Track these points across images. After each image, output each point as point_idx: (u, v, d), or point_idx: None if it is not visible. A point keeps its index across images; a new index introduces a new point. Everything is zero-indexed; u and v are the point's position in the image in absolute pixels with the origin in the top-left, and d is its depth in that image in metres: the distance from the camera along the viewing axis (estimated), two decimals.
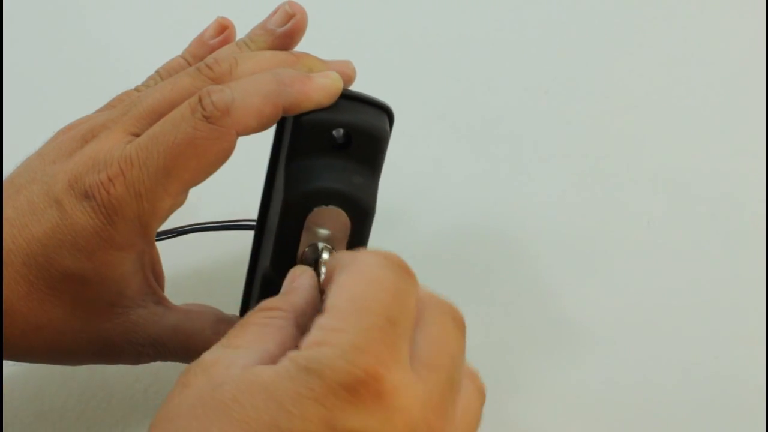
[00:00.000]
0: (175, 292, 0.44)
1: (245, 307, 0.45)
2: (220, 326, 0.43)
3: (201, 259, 0.50)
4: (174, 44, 0.58)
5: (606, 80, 0.57)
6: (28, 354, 0.40)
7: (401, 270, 0.33)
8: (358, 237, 0.41)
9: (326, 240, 0.40)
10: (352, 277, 0.32)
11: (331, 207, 0.40)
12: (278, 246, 0.41)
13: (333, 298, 0.32)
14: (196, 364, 0.32)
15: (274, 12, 0.45)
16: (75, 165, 0.39)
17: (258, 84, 0.39)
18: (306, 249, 0.40)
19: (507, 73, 0.57)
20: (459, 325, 0.34)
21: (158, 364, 0.47)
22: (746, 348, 0.48)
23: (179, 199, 0.40)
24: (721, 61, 0.57)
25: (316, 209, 0.40)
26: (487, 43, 0.58)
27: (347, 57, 0.58)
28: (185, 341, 0.42)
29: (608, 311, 0.49)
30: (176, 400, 0.31)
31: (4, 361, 0.47)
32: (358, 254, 0.33)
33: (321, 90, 0.40)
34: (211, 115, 0.38)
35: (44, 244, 0.38)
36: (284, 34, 0.45)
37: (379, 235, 0.52)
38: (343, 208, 0.40)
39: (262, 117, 0.39)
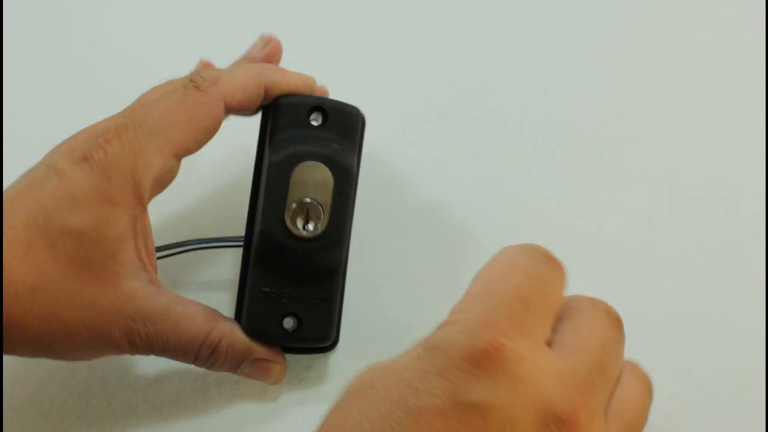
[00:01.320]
0: None
1: (239, 311, 0.46)
2: (211, 315, 0.44)
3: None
4: (175, 44, 0.58)
5: (606, 80, 0.57)
6: (23, 326, 0.40)
7: (542, 256, 0.34)
8: (342, 196, 0.44)
9: (312, 196, 0.43)
10: (490, 265, 0.33)
11: (314, 162, 0.44)
12: (267, 205, 0.44)
13: (470, 286, 0.33)
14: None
15: (253, 44, 0.49)
16: (74, 139, 0.42)
17: (243, 67, 0.46)
18: (294, 205, 0.43)
19: (507, 73, 0.57)
20: (612, 317, 0.34)
21: (158, 364, 0.47)
22: (746, 348, 0.48)
23: (170, 164, 0.43)
24: (721, 61, 0.57)
25: (300, 165, 0.44)
26: (486, 42, 0.58)
27: (348, 55, 0.58)
28: (177, 323, 0.42)
29: None
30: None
31: (5, 361, 0.47)
32: (503, 248, 0.34)
33: (298, 77, 0.46)
34: (200, 84, 0.44)
35: (43, 204, 0.40)
36: (264, 57, 0.49)
37: (378, 234, 0.52)
38: (327, 167, 0.44)
39: (246, 90, 0.44)
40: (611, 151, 0.54)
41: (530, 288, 0.32)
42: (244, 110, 0.45)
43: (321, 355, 0.48)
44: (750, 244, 0.51)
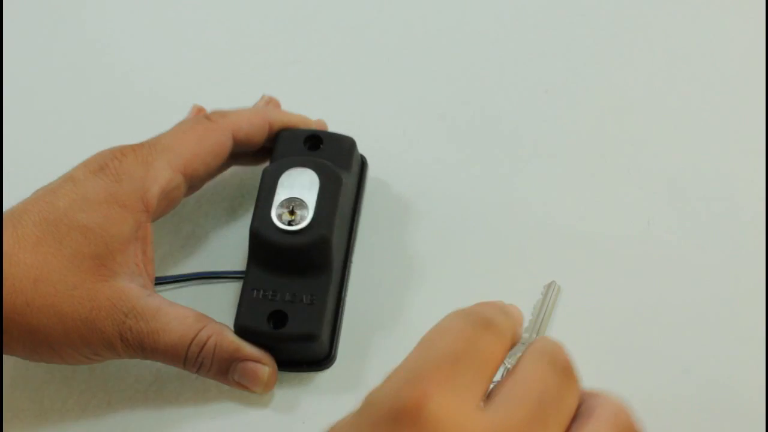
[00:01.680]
0: None
1: (238, 320, 0.47)
2: (201, 317, 0.46)
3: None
4: (172, 46, 0.58)
5: (606, 80, 0.57)
6: (22, 315, 0.42)
7: (480, 320, 0.34)
8: (328, 196, 0.47)
9: (298, 195, 0.47)
10: (430, 330, 0.34)
11: (301, 168, 0.48)
12: (258, 206, 0.47)
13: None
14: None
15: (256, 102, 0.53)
16: (91, 157, 0.46)
17: (250, 108, 0.51)
18: (280, 202, 0.47)
19: (507, 73, 0.57)
20: (558, 366, 0.34)
21: (158, 365, 0.47)
22: (746, 348, 0.48)
23: (177, 179, 0.47)
24: (721, 61, 0.57)
25: (289, 169, 0.48)
26: (487, 42, 0.58)
27: (347, 55, 0.58)
28: (168, 323, 0.44)
29: (607, 311, 0.49)
30: None
31: (5, 361, 0.47)
32: (449, 313, 0.35)
33: (298, 116, 0.51)
34: (210, 117, 0.49)
35: (55, 205, 0.44)
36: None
37: (379, 235, 0.52)
38: (314, 171, 0.47)
39: (252, 123, 0.49)
40: (611, 152, 0.54)
41: (461, 349, 0.33)
42: (250, 143, 0.49)
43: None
44: (750, 244, 0.51)
